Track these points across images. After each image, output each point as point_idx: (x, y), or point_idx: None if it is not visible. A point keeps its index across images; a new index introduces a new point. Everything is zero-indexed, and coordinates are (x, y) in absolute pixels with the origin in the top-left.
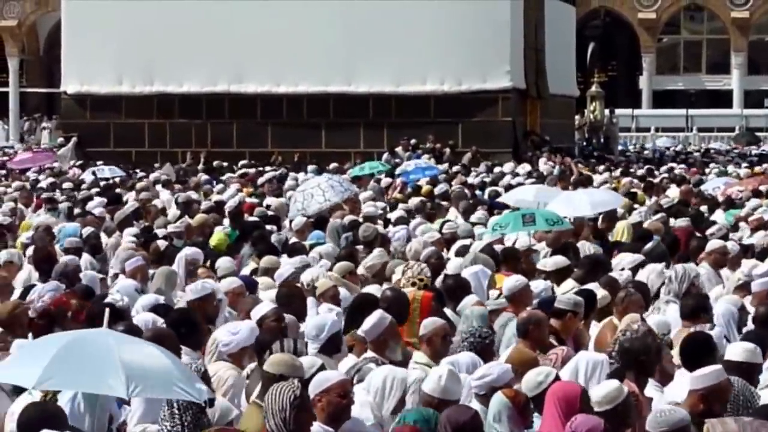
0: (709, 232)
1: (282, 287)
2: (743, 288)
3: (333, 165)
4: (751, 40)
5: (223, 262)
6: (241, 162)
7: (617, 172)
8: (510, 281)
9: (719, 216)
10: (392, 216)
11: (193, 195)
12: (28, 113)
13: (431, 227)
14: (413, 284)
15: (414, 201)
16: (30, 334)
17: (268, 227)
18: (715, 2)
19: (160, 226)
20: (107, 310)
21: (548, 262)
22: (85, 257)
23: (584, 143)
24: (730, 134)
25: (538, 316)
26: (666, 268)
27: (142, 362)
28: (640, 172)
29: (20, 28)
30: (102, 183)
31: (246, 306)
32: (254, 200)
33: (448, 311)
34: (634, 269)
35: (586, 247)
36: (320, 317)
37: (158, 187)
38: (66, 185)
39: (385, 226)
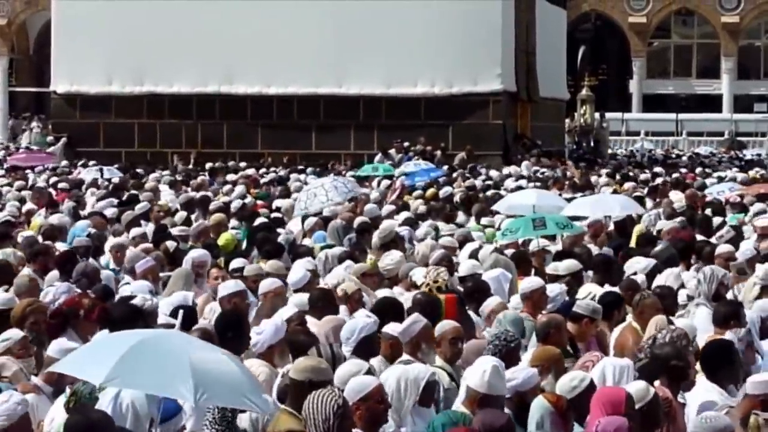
0: (716, 236)
1: (315, 290)
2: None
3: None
4: (741, 45)
5: (274, 263)
6: (243, 163)
7: (616, 176)
8: (526, 282)
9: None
10: (399, 218)
11: (196, 195)
12: (17, 113)
13: (443, 229)
14: (431, 289)
15: (418, 203)
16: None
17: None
18: (705, 7)
19: (171, 226)
20: (181, 311)
21: (560, 265)
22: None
23: (574, 146)
24: (719, 138)
25: (558, 320)
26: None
27: (212, 369)
28: (643, 176)
29: (10, 27)
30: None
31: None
32: (262, 201)
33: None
34: (650, 273)
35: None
36: (353, 320)
37: (164, 187)
38: (62, 185)
39: None
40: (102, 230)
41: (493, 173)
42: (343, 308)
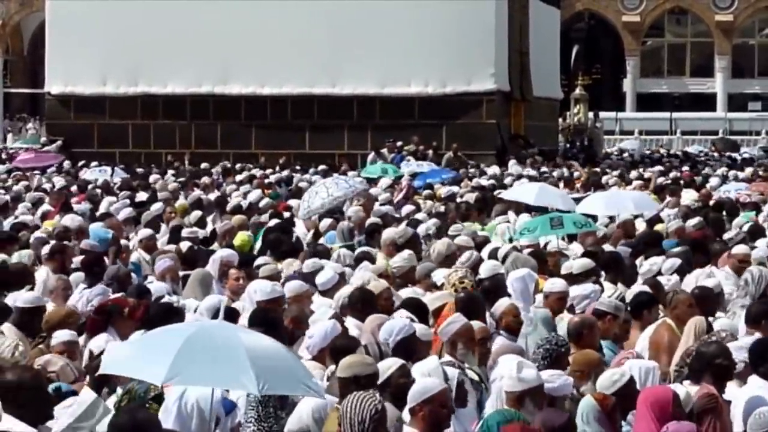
0: (727, 236)
1: (355, 290)
2: None
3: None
4: (735, 44)
5: (311, 263)
6: (249, 165)
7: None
8: (549, 283)
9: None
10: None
11: (205, 196)
12: (11, 113)
13: (458, 228)
14: (456, 289)
15: (429, 204)
16: (84, 336)
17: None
18: (699, 5)
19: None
20: (223, 301)
21: (574, 264)
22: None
23: (567, 146)
24: (710, 137)
25: (591, 321)
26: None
27: (268, 358)
28: (647, 174)
29: (4, 28)
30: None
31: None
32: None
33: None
34: (679, 273)
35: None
36: (391, 321)
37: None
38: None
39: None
40: (119, 232)
41: (490, 170)
42: None
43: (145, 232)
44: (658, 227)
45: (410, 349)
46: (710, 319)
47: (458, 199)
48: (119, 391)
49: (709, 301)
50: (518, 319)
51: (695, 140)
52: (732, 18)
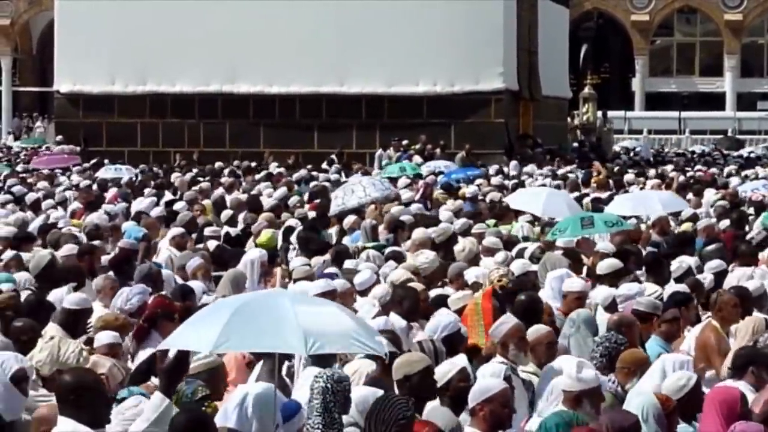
0: (750, 236)
1: (398, 288)
2: None
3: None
4: (744, 43)
5: (349, 262)
6: (273, 163)
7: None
8: (568, 283)
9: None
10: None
11: (227, 195)
12: (20, 112)
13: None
14: (493, 288)
15: (459, 203)
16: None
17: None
18: (708, 5)
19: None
20: (280, 268)
21: (602, 264)
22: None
23: (576, 145)
24: (717, 137)
25: (630, 320)
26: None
27: (319, 319)
28: (652, 172)
29: (13, 27)
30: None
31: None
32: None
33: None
34: (719, 274)
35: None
36: (435, 318)
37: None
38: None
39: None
40: (154, 231)
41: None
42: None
43: (176, 230)
44: (685, 226)
45: (456, 345)
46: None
47: (484, 198)
48: None
49: (751, 301)
50: (552, 317)
51: (704, 139)
52: (741, 17)
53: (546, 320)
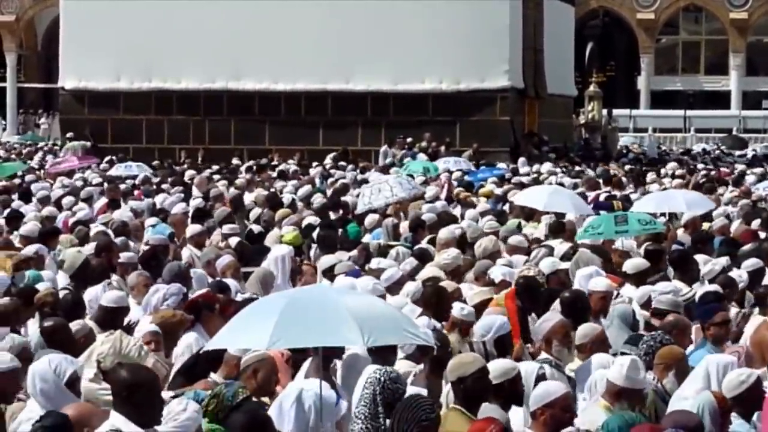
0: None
1: (428, 286)
2: None
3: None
4: (749, 42)
5: (381, 260)
6: (290, 160)
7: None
8: (594, 282)
9: None
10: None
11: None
12: (25, 108)
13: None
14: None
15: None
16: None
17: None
18: (713, 3)
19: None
20: (319, 268)
21: (628, 264)
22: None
23: (582, 143)
24: (720, 135)
25: (685, 323)
26: None
27: (369, 311)
28: (679, 171)
29: (18, 23)
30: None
31: None
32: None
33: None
34: (754, 273)
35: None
36: (487, 318)
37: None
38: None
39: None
40: (180, 228)
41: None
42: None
43: (194, 228)
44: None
45: (507, 346)
46: None
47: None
48: (196, 392)
49: None
50: None
51: (708, 138)
52: (746, 16)
53: None
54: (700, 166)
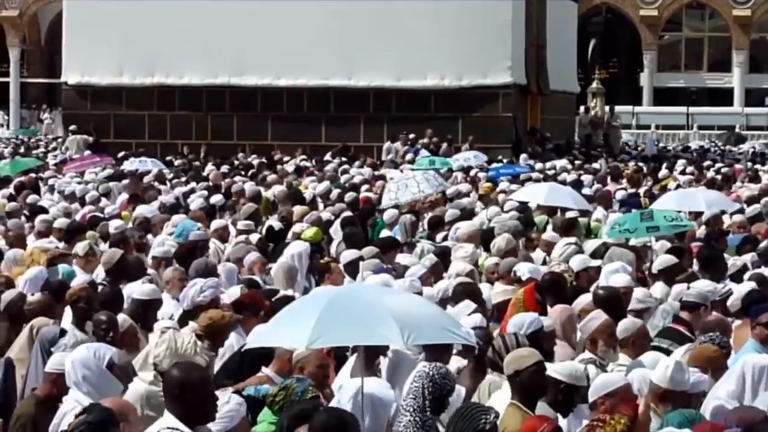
0: None
1: (459, 283)
2: None
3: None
4: (752, 38)
5: (403, 257)
6: (301, 156)
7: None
8: (614, 279)
9: None
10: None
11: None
12: (28, 103)
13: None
14: None
15: (502, 197)
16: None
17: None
18: (717, 0)
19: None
20: (361, 262)
21: (657, 262)
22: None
23: (584, 139)
24: (718, 132)
25: (726, 324)
26: None
27: (410, 310)
28: (689, 168)
29: (21, 18)
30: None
31: None
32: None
33: None
34: None
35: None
36: (520, 315)
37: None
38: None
39: None
40: (202, 223)
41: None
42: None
43: (218, 222)
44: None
45: (541, 342)
46: None
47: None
48: (267, 387)
49: None
50: None
51: (711, 135)
52: (750, 12)
53: None
54: (706, 163)
